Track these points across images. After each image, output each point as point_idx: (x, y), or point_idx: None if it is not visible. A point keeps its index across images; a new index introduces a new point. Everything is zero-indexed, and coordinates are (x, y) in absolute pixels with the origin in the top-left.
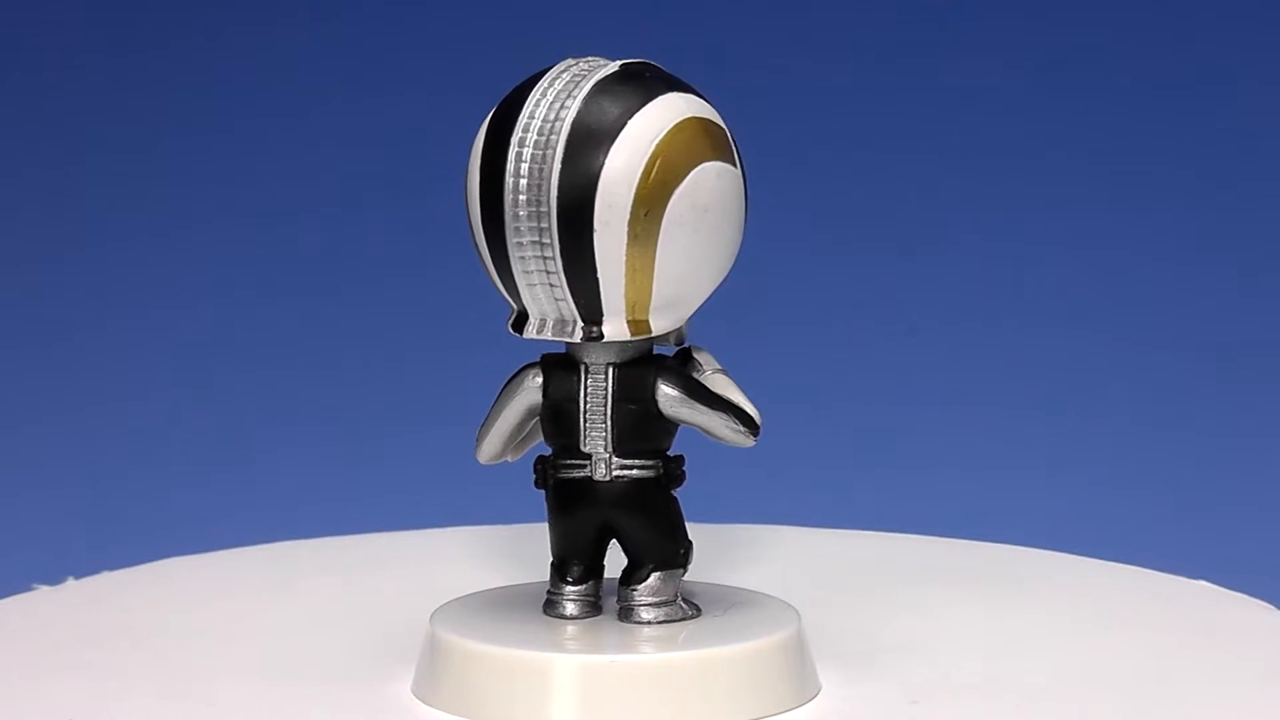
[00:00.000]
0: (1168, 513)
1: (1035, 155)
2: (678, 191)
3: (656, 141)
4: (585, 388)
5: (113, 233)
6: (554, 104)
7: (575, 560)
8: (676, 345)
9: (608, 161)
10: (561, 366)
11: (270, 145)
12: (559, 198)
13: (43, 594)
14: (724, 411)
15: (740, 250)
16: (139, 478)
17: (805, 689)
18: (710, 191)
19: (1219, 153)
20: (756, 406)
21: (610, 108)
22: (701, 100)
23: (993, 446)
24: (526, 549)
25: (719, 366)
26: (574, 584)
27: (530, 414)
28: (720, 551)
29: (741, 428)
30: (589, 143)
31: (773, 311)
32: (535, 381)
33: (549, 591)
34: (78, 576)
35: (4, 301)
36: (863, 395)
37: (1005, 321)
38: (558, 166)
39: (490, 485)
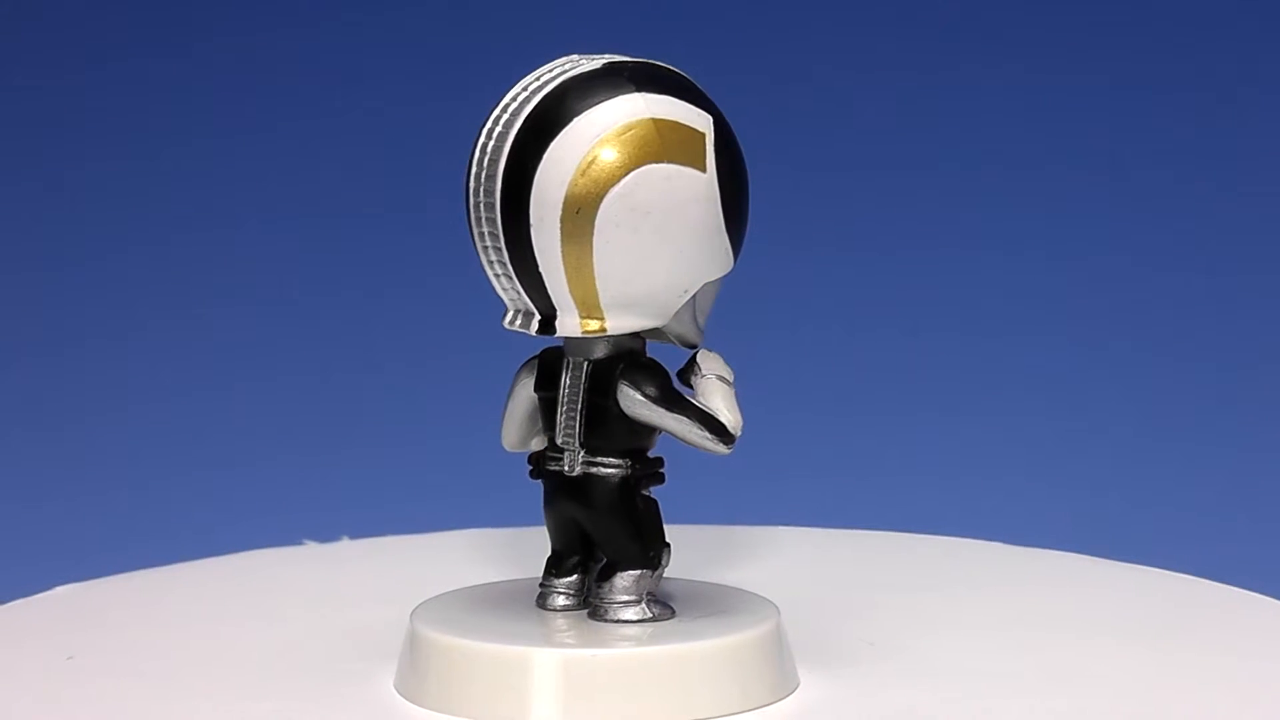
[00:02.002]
0: (1167, 512)
1: (1041, 159)
2: (613, 192)
3: (596, 141)
4: (564, 382)
5: (114, 237)
6: (524, 98)
7: (566, 553)
8: (684, 347)
9: (545, 157)
10: (555, 360)
11: (277, 148)
12: (502, 190)
13: (41, 600)
14: (688, 417)
15: (727, 254)
16: (136, 483)
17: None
18: (654, 195)
19: (1222, 156)
20: (744, 416)
21: (567, 105)
22: (680, 102)
23: (992, 447)
24: (520, 552)
25: (721, 373)
26: (561, 576)
27: (534, 404)
28: (718, 551)
29: (709, 435)
30: (535, 138)
31: (772, 313)
32: (531, 374)
33: (540, 584)
34: (73, 581)
35: (6, 305)
36: (863, 396)
37: (1004, 323)
38: (504, 159)
39: (487, 490)
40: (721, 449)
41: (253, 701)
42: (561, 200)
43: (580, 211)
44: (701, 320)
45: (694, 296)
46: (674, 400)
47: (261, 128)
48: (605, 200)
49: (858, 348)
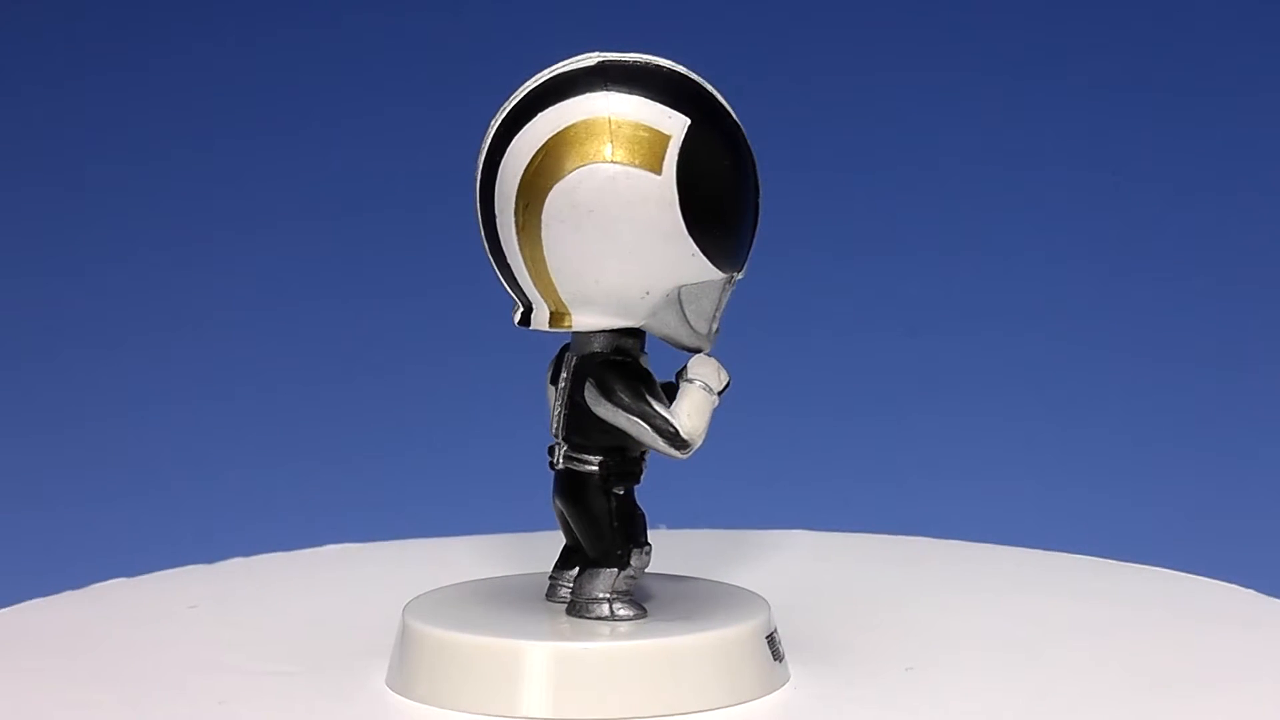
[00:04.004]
0: (1167, 513)
1: (1043, 160)
2: (557, 188)
3: (549, 136)
4: (561, 377)
5: (117, 240)
6: (518, 92)
7: (573, 546)
8: (680, 349)
9: (508, 151)
10: (564, 355)
11: (280, 150)
12: (480, 181)
13: (40, 604)
14: (641, 418)
15: (695, 259)
16: (136, 487)
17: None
18: (597, 193)
19: (1223, 156)
20: (751, 420)
21: (539, 101)
22: (652, 103)
23: (993, 449)
24: (525, 555)
25: (704, 379)
26: (567, 569)
27: None
28: (723, 554)
29: (659, 438)
30: (506, 132)
31: (770, 317)
32: (550, 369)
33: (549, 576)
34: (74, 588)
35: (8, 311)
36: (864, 400)
37: (1005, 324)
38: (484, 152)
39: (494, 496)
40: (673, 453)
41: (243, 698)
42: (514, 193)
43: (529, 206)
44: (700, 324)
45: (680, 299)
46: (633, 400)
47: (266, 131)
48: (550, 195)
49: (858, 350)
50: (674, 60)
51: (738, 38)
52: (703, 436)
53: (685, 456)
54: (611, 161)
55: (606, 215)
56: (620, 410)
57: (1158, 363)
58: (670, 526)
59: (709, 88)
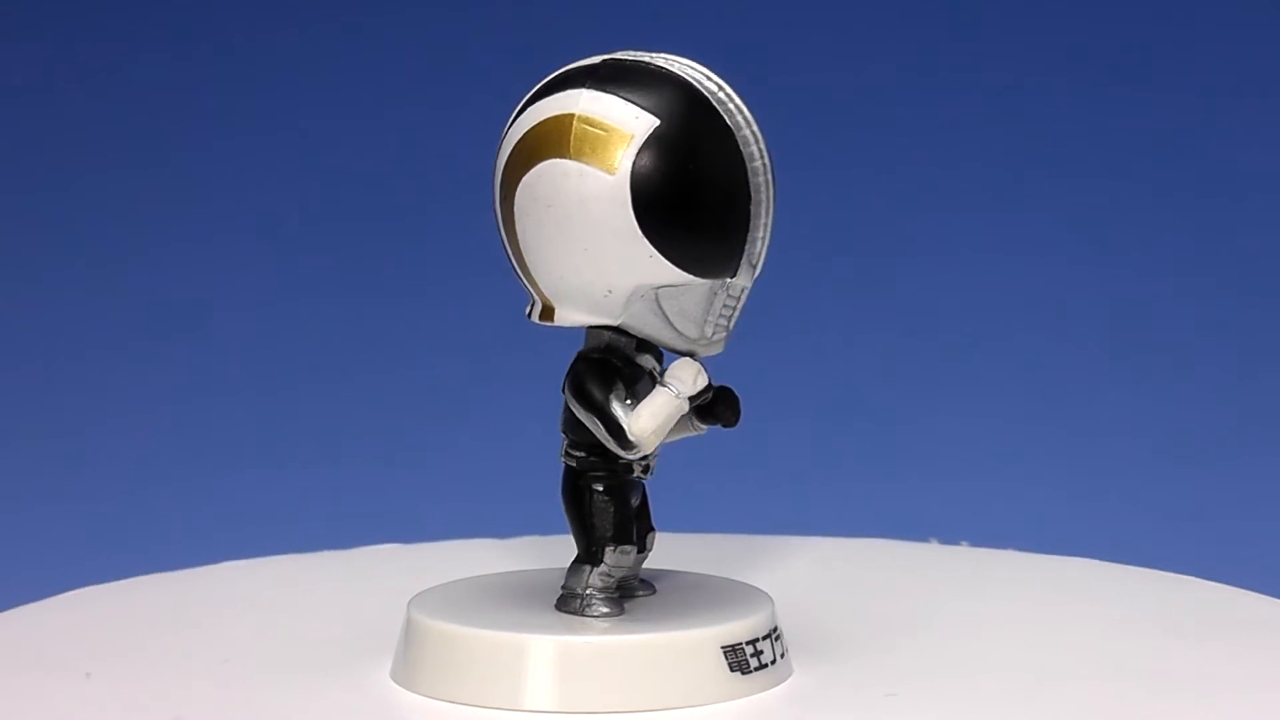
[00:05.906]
0: (1166, 513)
1: (1043, 161)
2: (523, 181)
3: (525, 131)
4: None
5: (120, 241)
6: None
7: None
8: (669, 351)
9: (500, 145)
10: None
11: (278, 152)
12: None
13: (48, 604)
14: (596, 414)
15: (654, 260)
16: (141, 489)
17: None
18: (552, 189)
19: (1220, 161)
20: (761, 426)
21: (534, 97)
22: (624, 102)
23: (992, 451)
24: (533, 557)
25: (676, 385)
26: None
27: None
28: (725, 558)
29: (608, 436)
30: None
31: (771, 318)
32: None
33: None
34: (83, 586)
35: (11, 311)
36: (866, 403)
37: (1004, 326)
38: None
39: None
40: (620, 452)
41: (244, 695)
42: (498, 185)
43: (505, 198)
44: (687, 327)
45: (658, 300)
46: (594, 396)
47: (268, 132)
48: (518, 189)
49: (860, 353)
50: (702, 61)
51: (735, 34)
52: (655, 439)
53: (629, 455)
54: (569, 158)
55: (561, 211)
56: (581, 407)
57: (1157, 363)
58: (973, 543)
59: (713, 91)
